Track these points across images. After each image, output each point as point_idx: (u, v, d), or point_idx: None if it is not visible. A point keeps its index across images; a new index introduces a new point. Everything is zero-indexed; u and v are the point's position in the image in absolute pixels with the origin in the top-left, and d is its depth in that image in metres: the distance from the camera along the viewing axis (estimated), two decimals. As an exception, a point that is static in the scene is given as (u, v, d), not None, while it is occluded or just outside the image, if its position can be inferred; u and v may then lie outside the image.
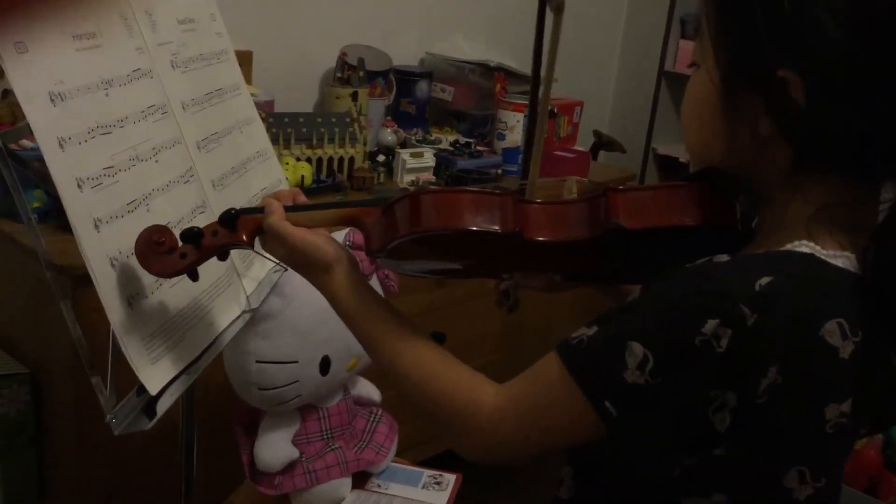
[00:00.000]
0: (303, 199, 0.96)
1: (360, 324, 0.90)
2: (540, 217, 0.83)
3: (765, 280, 0.70)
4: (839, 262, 0.75)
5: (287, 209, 0.91)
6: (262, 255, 0.96)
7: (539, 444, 0.80)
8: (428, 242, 0.85)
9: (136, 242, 0.94)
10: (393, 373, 0.87)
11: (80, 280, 1.00)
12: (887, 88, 0.72)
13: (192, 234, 0.93)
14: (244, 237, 0.93)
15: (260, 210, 0.92)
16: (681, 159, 3.17)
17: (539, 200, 0.85)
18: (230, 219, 0.93)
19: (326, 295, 0.91)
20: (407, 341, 0.87)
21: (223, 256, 0.97)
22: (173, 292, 1.07)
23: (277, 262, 0.96)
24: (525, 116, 2.56)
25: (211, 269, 0.96)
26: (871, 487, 2.54)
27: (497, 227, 0.81)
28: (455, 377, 0.84)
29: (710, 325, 0.69)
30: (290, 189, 0.97)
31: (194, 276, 0.97)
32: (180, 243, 0.95)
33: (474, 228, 0.81)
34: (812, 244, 0.75)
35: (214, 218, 1.18)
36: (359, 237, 1.33)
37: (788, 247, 0.76)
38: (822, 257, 0.75)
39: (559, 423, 0.78)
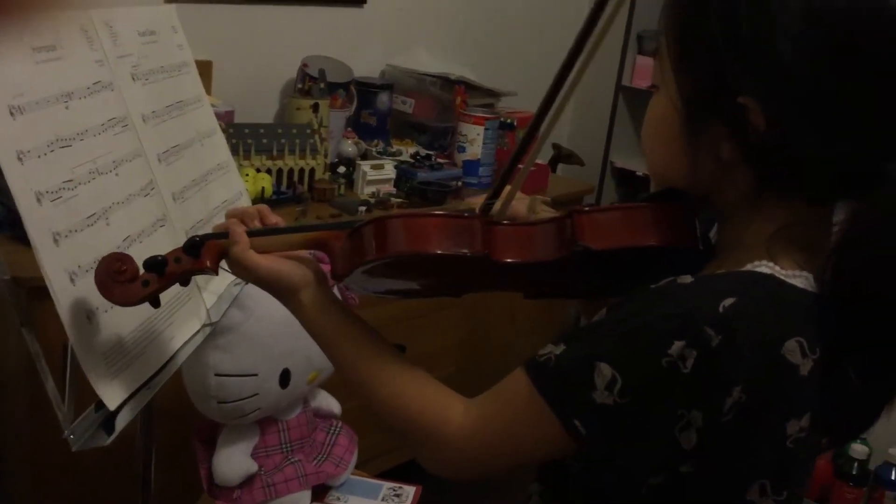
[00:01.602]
0: (273, 219, 0.95)
1: (330, 344, 0.90)
2: (507, 239, 0.84)
3: (728, 302, 0.72)
4: (798, 282, 0.77)
5: (251, 234, 0.91)
6: (228, 271, 0.95)
7: (508, 460, 0.81)
8: (394, 266, 0.85)
9: (97, 271, 0.92)
10: (363, 391, 0.88)
11: (37, 292, 0.99)
12: (842, 114, 0.74)
13: (155, 263, 0.92)
14: (208, 263, 0.91)
15: (224, 235, 0.91)
16: (638, 173, 3.21)
17: (506, 222, 0.86)
18: (194, 246, 0.91)
19: (297, 318, 0.91)
20: (376, 359, 0.88)
21: (185, 282, 0.95)
22: (133, 307, 1.06)
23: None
24: (486, 130, 2.58)
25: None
26: (823, 496, 2.59)
27: (465, 251, 0.82)
28: (424, 394, 0.85)
29: (677, 346, 0.71)
30: (257, 207, 0.96)
31: (156, 304, 0.95)
32: (142, 271, 0.93)
33: (441, 252, 0.81)
34: (772, 264, 0.77)
35: (175, 231, 1.19)
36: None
37: (749, 267, 0.78)
38: (782, 277, 0.77)
39: (528, 439, 0.79)
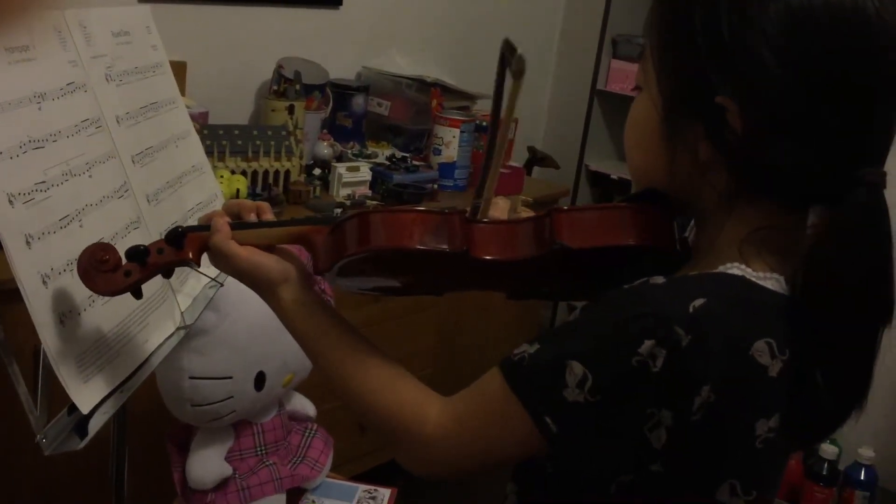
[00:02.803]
0: (269, 215, 0.95)
1: (308, 340, 0.90)
2: (486, 236, 0.84)
3: (698, 302, 0.73)
4: (768, 284, 0.78)
5: (234, 226, 0.90)
6: (203, 274, 0.94)
7: (483, 459, 0.82)
8: (375, 261, 0.85)
9: (79, 260, 0.92)
10: (341, 388, 0.88)
11: (8, 294, 0.98)
12: (818, 119, 0.75)
13: (137, 253, 0.91)
14: (190, 255, 0.91)
15: (206, 227, 0.91)
16: (612, 175, 3.23)
17: (485, 220, 0.87)
18: (177, 237, 0.91)
19: (276, 313, 0.91)
20: (354, 356, 0.88)
21: (168, 274, 0.95)
22: (106, 309, 1.05)
23: (215, 280, 0.95)
24: (462, 132, 2.59)
25: (145, 285, 0.95)
26: (793, 497, 2.62)
27: (445, 246, 0.82)
28: (401, 392, 0.85)
29: (647, 345, 0.72)
30: (257, 203, 0.95)
31: (138, 295, 0.95)
32: (125, 261, 0.92)
33: (422, 247, 0.82)
34: (743, 266, 0.78)
35: (149, 233, 1.18)
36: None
37: (721, 269, 0.79)
38: (753, 279, 0.78)
39: (502, 438, 0.79)
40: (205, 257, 0.93)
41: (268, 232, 0.92)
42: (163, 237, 0.92)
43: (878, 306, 0.77)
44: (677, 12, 0.80)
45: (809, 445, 1.97)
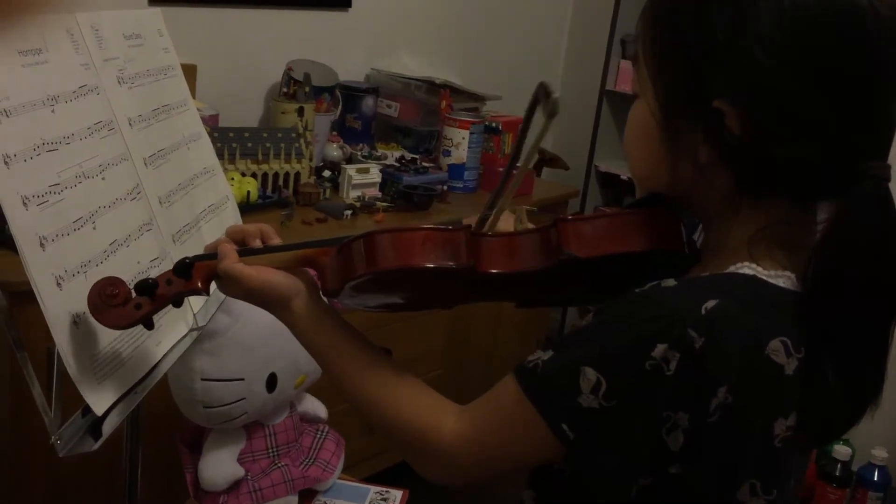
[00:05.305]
0: (275, 241, 0.95)
1: (322, 354, 0.90)
2: (493, 250, 0.84)
3: (711, 303, 0.72)
4: (780, 282, 0.78)
5: (241, 253, 0.91)
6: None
7: (501, 466, 0.81)
8: (384, 280, 0.85)
9: (89, 295, 0.92)
10: (356, 401, 0.88)
11: (22, 297, 0.99)
12: (817, 116, 0.75)
13: (146, 286, 0.92)
14: (199, 284, 0.92)
15: (213, 256, 0.91)
16: (622, 176, 3.23)
17: (491, 233, 0.87)
18: (185, 267, 0.92)
19: (289, 328, 0.91)
20: (368, 368, 0.88)
21: (178, 304, 0.95)
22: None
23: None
24: (471, 134, 2.59)
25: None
26: (806, 498, 2.61)
27: (452, 263, 0.82)
28: (417, 402, 0.85)
29: (660, 349, 0.71)
30: (258, 226, 0.95)
31: (149, 325, 0.95)
32: (134, 294, 0.93)
33: (429, 265, 0.82)
34: (754, 265, 0.78)
35: (161, 235, 1.18)
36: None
37: (731, 269, 0.78)
38: (764, 278, 0.77)
39: (519, 445, 0.79)
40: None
41: (275, 256, 0.92)
42: (171, 269, 0.93)
43: (888, 299, 0.76)
44: (667, 17, 0.79)
45: (826, 443, 1.96)
